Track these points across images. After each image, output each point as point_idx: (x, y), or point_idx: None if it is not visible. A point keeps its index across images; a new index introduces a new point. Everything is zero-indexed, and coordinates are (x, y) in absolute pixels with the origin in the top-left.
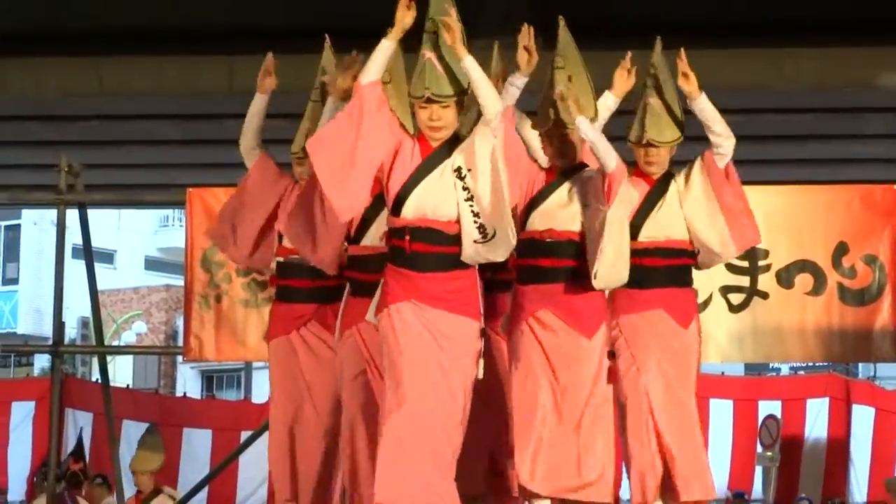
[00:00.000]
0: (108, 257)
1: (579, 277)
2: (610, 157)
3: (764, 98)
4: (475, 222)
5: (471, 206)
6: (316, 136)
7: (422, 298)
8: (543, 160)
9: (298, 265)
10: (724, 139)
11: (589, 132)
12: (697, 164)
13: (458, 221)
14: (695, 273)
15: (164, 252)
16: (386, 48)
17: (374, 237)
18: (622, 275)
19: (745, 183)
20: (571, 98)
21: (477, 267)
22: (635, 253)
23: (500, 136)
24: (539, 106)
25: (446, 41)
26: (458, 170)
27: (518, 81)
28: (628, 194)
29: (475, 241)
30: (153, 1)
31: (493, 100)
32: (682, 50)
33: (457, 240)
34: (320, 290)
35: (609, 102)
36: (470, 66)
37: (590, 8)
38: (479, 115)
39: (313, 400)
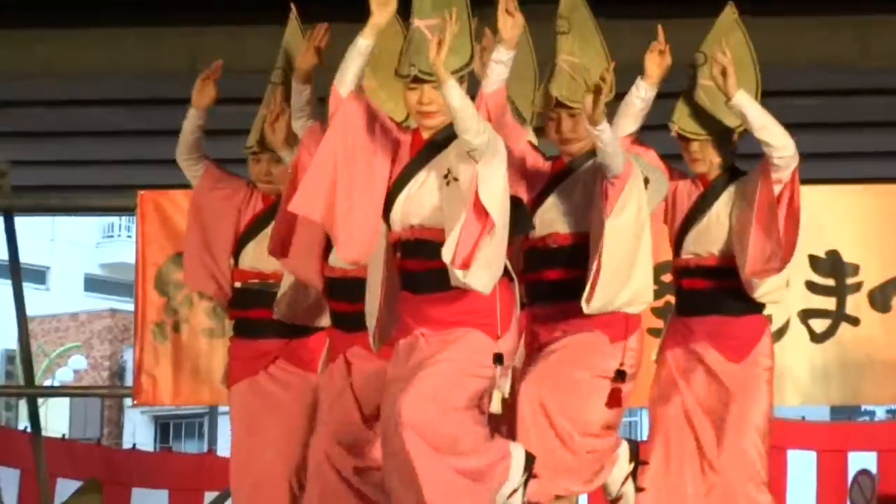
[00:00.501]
0: (40, 276)
1: (577, 293)
2: (617, 158)
3: (846, 78)
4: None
5: (449, 222)
6: (300, 194)
7: (429, 324)
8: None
9: (260, 292)
10: (776, 150)
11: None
12: (759, 172)
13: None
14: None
15: (109, 269)
16: (363, 49)
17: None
18: (614, 298)
19: (823, 181)
20: (729, 66)
21: (512, 279)
22: (675, 272)
23: (488, 159)
24: (541, 82)
25: (502, 26)
26: (448, 174)
27: (504, 56)
28: (643, 197)
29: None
30: None
31: (474, 126)
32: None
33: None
34: (285, 323)
35: (642, 93)
36: (449, 92)
37: None
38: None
39: (278, 448)
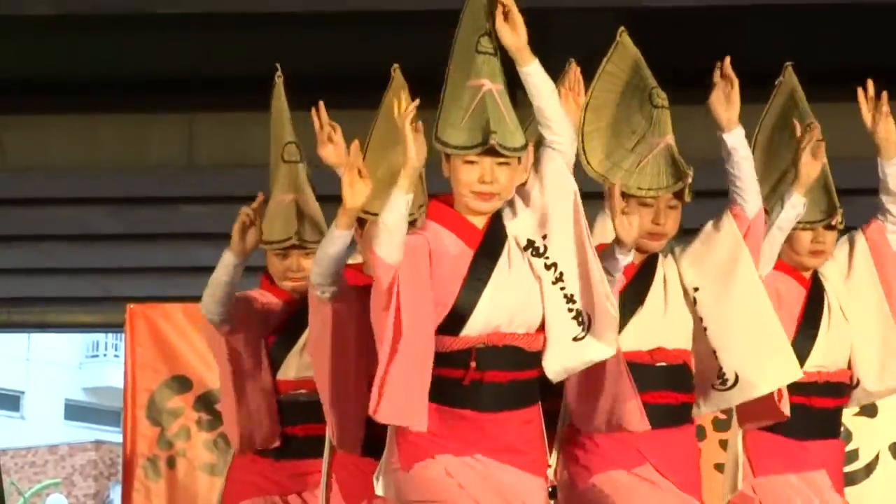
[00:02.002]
0: (14, 402)
1: (686, 419)
2: (758, 194)
3: None
4: (570, 310)
5: (562, 288)
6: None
7: (490, 451)
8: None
9: (308, 403)
10: (883, 212)
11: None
12: (862, 246)
13: (541, 329)
14: (857, 426)
15: (93, 394)
16: (403, 207)
17: None
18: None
19: None
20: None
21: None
22: (797, 388)
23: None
24: (641, 158)
25: (503, 36)
26: (531, 244)
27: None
28: None
29: (575, 339)
30: (78, 41)
31: (568, 123)
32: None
33: (538, 359)
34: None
35: (798, 206)
36: (539, 73)
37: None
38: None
39: None
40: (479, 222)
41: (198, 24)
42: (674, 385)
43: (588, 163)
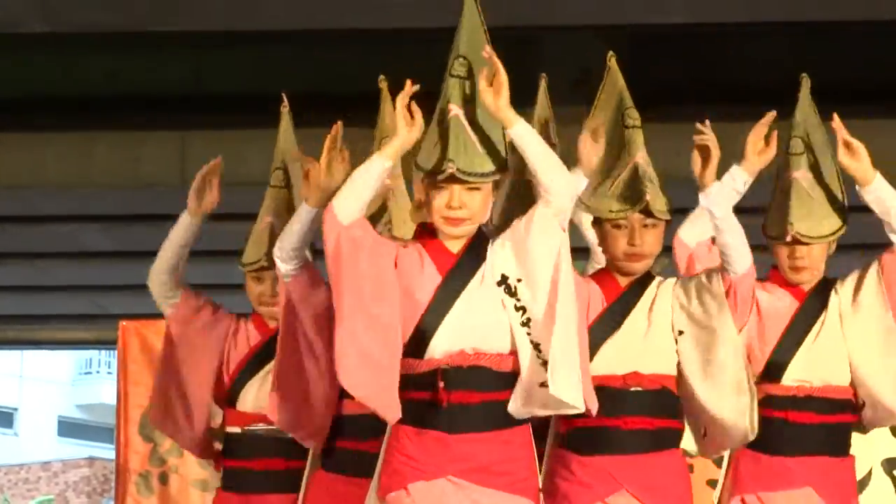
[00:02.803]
0: (7, 418)
1: (667, 444)
2: (746, 255)
3: None
4: (538, 357)
5: (528, 333)
6: (345, 369)
7: (463, 473)
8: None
9: (266, 438)
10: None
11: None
12: (873, 271)
13: (512, 353)
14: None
15: (86, 411)
16: (381, 172)
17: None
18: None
19: None
20: (860, 146)
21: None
22: (776, 402)
23: (566, 231)
24: (612, 179)
25: (485, 100)
26: (504, 279)
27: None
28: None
29: (541, 385)
30: (72, 59)
31: (565, 178)
32: (836, 115)
33: (511, 381)
34: (293, 474)
35: (738, 184)
36: (524, 134)
37: (687, 67)
38: (518, 193)
39: None
40: (455, 246)
41: (191, 42)
42: (650, 410)
43: (580, 198)
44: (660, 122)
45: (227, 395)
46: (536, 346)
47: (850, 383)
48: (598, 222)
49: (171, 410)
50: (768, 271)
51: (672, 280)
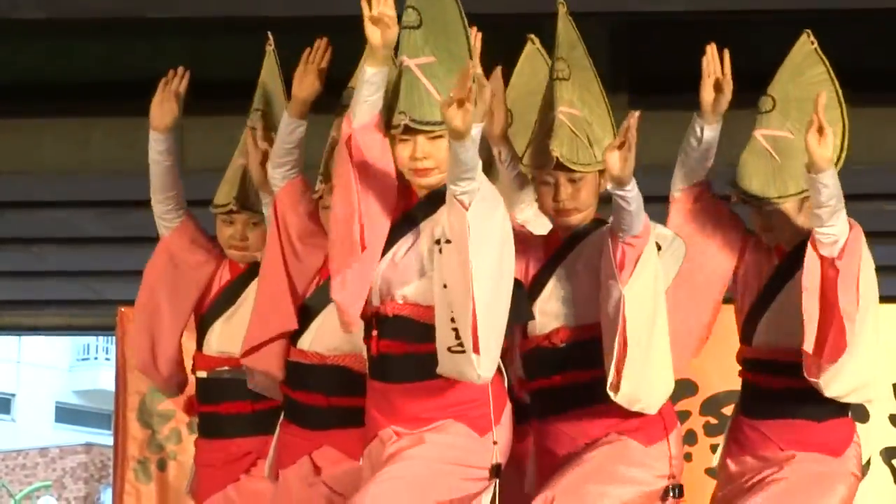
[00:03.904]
0: (4, 404)
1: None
2: (640, 218)
3: None
4: (451, 320)
5: (447, 296)
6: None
7: (402, 422)
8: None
9: (231, 381)
10: (826, 233)
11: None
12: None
13: (427, 309)
14: None
15: (84, 397)
16: (370, 77)
17: (325, 335)
18: (661, 387)
19: None
20: (828, 129)
21: (502, 373)
22: (748, 365)
23: (481, 206)
24: (534, 136)
25: (451, 121)
26: (439, 241)
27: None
28: (658, 263)
29: (450, 350)
30: (68, 45)
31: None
32: (823, 93)
33: (427, 334)
34: (265, 415)
35: (700, 133)
36: (466, 149)
37: (687, 55)
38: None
39: None
40: (421, 194)
41: (189, 28)
42: (583, 363)
43: (523, 163)
44: (659, 109)
45: (196, 338)
46: (452, 311)
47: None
48: (533, 180)
49: (138, 339)
50: None
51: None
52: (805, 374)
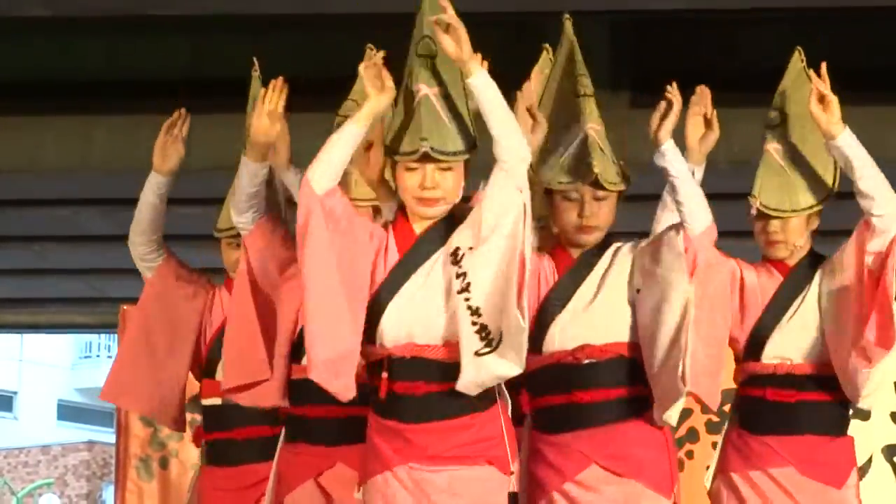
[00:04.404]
0: (6, 402)
1: (633, 412)
2: (705, 211)
3: None
4: (474, 323)
5: (467, 299)
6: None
7: (423, 460)
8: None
9: (242, 407)
10: (876, 204)
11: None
12: (851, 243)
13: (456, 345)
14: (850, 429)
15: (86, 394)
16: (354, 137)
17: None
18: (713, 391)
19: None
20: (830, 94)
21: (507, 401)
22: (756, 381)
23: (526, 192)
24: (553, 150)
25: (446, 49)
26: (455, 252)
27: None
28: (720, 274)
29: (477, 354)
30: (71, 43)
31: (518, 138)
32: (824, 65)
33: (453, 372)
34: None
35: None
36: (483, 85)
37: (688, 53)
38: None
39: None
40: (420, 228)
41: (190, 26)
42: (607, 381)
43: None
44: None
45: (203, 367)
46: (475, 311)
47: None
48: (549, 193)
49: (137, 381)
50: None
51: (630, 243)
52: (848, 372)
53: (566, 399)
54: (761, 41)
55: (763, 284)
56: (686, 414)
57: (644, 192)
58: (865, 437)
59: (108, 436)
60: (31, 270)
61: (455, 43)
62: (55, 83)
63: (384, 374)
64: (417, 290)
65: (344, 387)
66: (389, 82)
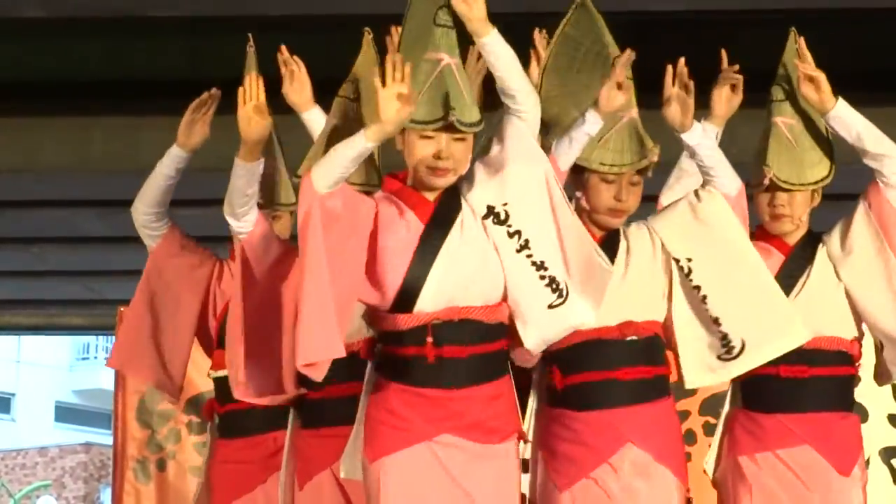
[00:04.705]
0: (4, 404)
1: (663, 391)
2: (735, 176)
3: None
4: (543, 277)
5: (529, 255)
6: (312, 340)
7: (457, 429)
8: None
9: None
10: (887, 160)
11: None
12: (861, 210)
13: (503, 301)
14: None
15: (83, 396)
16: (363, 153)
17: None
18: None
19: None
20: (818, 73)
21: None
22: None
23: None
24: (599, 136)
25: (458, 8)
26: (491, 210)
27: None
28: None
29: (551, 306)
30: (69, 44)
31: (531, 88)
32: (801, 39)
33: (501, 331)
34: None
35: (588, 127)
36: (496, 43)
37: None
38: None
39: None
40: (432, 196)
41: (189, 27)
42: (647, 359)
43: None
44: (660, 108)
45: (216, 338)
46: (540, 266)
47: (850, 333)
48: (578, 170)
49: (142, 350)
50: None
51: (638, 223)
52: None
53: (608, 375)
54: (762, 42)
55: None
56: (683, 416)
57: (652, 193)
58: (863, 439)
59: (105, 437)
60: (28, 272)
61: (469, 2)
62: (53, 84)
63: (429, 339)
64: (454, 253)
65: (320, 371)
66: (412, 99)
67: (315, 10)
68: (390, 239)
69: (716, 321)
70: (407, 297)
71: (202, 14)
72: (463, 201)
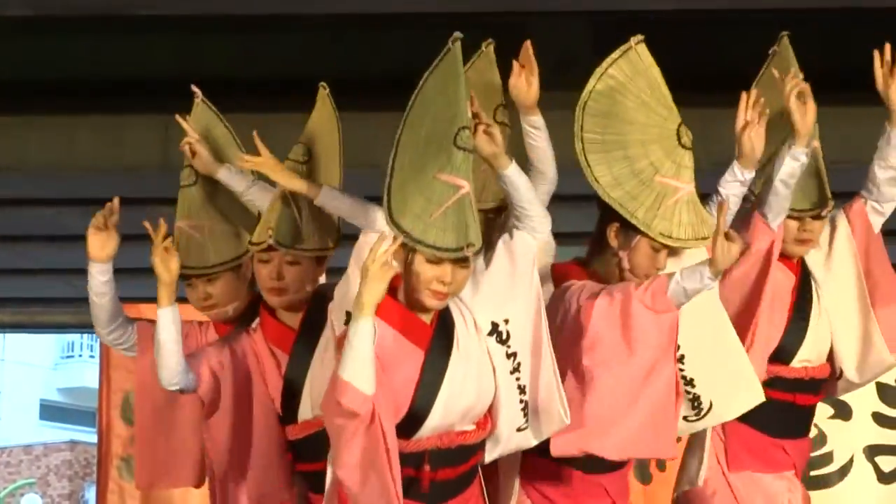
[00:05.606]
0: None
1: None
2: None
3: None
4: (521, 401)
5: (518, 379)
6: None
7: None
8: None
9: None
10: (873, 182)
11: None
12: (842, 228)
13: (487, 417)
14: (832, 428)
15: (68, 395)
16: (369, 332)
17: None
18: None
19: None
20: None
21: None
22: (782, 384)
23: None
24: None
25: (483, 148)
26: (495, 328)
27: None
28: None
29: (518, 429)
30: (55, 43)
31: (545, 212)
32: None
33: (483, 444)
34: None
35: (800, 157)
36: (515, 175)
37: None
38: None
39: None
40: (427, 319)
41: (176, 26)
42: None
43: (594, 178)
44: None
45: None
46: (522, 390)
47: (827, 357)
48: (629, 228)
49: (162, 462)
50: None
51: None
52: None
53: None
54: (749, 42)
55: (779, 283)
56: None
57: None
58: (847, 437)
59: (90, 436)
60: (13, 270)
61: (490, 141)
62: (38, 83)
63: (426, 467)
64: (455, 379)
65: None
66: (395, 265)
67: (303, 10)
68: (397, 375)
69: (690, 382)
70: (410, 427)
71: (189, 12)
72: (454, 308)
